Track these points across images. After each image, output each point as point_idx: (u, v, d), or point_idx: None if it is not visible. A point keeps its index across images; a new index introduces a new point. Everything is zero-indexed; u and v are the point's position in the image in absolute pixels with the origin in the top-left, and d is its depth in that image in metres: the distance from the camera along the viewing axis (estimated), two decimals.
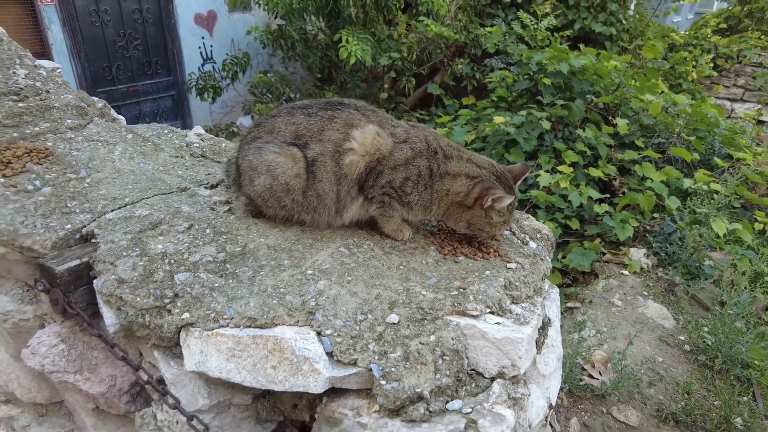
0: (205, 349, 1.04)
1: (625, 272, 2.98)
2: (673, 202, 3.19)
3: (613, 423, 2.18)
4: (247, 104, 7.34)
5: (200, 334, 1.05)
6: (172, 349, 1.12)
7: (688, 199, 3.19)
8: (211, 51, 7.84)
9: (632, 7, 6.25)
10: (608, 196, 3.44)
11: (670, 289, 2.89)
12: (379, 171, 1.25)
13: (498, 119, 3.68)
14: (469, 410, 0.98)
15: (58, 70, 2.19)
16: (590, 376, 2.34)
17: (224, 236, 1.29)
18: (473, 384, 1.04)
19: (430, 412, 0.96)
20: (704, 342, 2.52)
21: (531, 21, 4.84)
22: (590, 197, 3.29)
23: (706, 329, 2.61)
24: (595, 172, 3.50)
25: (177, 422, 1.11)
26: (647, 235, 3.14)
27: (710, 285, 2.87)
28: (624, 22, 5.77)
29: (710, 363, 2.43)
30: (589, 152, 3.63)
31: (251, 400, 1.14)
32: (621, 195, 3.55)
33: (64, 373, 1.24)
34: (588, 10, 6.07)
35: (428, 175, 1.27)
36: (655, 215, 3.19)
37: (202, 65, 7.68)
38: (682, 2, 6.52)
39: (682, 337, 2.61)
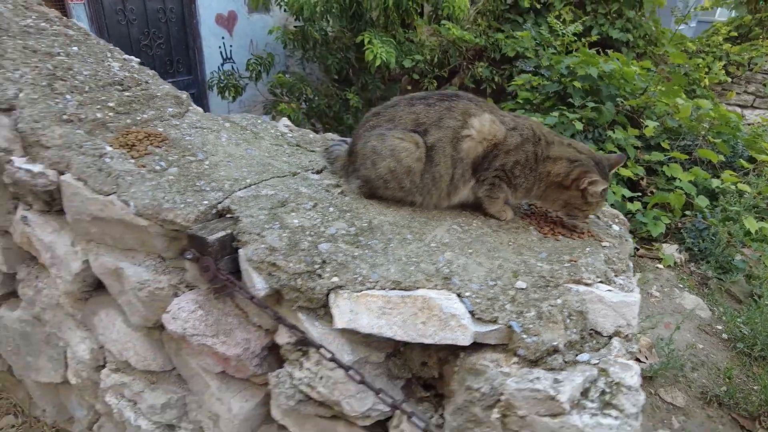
0: (354, 308, 1.16)
1: (660, 266, 3.12)
2: (702, 201, 3.35)
3: (661, 403, 2.32)
4: (267, 104, 7.45)
5: (349, 295, 1.17)
6: (317, 310, 1.24)
7: (718, 197, 3.35)
8: (231, 51, 7.97)
9: (647, 14, 6.44)
10: (640, 194, 3.59)
11: (703, 282, 3.04)
12: (494, 155, 1.38)
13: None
14: (597, 361, 1.11)
15: (139, 62, 2.32)
16: (637, 359, 2.47)
17: (348, 214, 1.41)
18: (594, 341, 1.17)
19: (565, 362, 1.09)
20: (741, 332, 2.67)
21: (560, 27, 5.00)
22: (623, 195, 3.44)
23: (740, 320, 2.75)
24: (624, 172, 3.65)
25: (321, 378, 1.23)
26: (682, 231, 3.29)
27: (742, 279, 3.02)
28: (647, 27, 5.95)
29: (748, 351, 2.57)
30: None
31: (384, 358, 1.27)
32: (649, 194, 3.71)
33: (203, 336, 1.36)
34: (605, 17, 6.25)
35: (533, 159, 1.41)
36: (687, 212, 3.34)
37: (222, 65, 7.80)
38: (694, 10, 6.70)
39: (719, 327, 2.75)
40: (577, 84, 4.04)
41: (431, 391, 1.31)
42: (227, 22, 7.87)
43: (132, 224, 1.39)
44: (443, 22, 6.20)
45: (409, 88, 6.51)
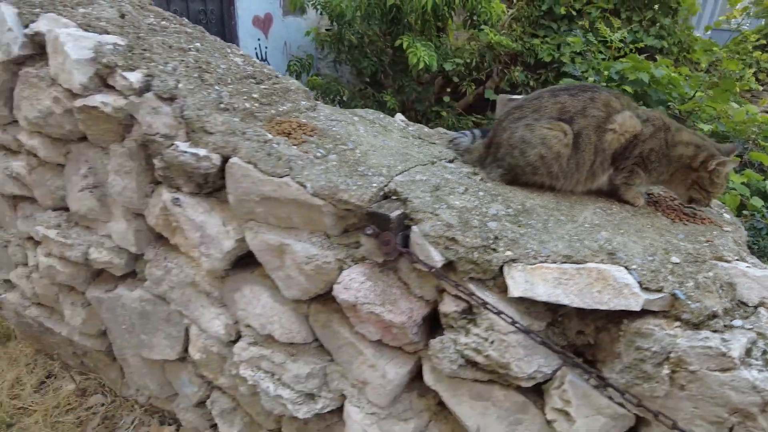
0: (530, 279, 1.31)
1: None
2: (756, 202, 3.49)
3: None
4: None
5: (523, 267, 1.32)
6: (486, 281, 1.39)
7: None
8: (266, 52, 8.14)
9: (680, 22, 6.60)
10: None
11: None
12: (634, 144, 1.54)
13: None
14: (751, 327, 1.25)
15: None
16: None
17: (499, 197, 1.56)
18: (742, 310, 1.31)
19: (724, 326, 1.23)
20: None
21: (609, 33, 5.18)
22: None
23: None
24: None
25: (491, 342, 1.38)
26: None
27: None
28: (681, 35, 6.12)
29: None
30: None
31: (544, 327, 1.41)
32: None
33: (372, 305, 1.51)
34: (640, 24, 6.42)
35: (665, 146, 1.57)
36: (745, 212, 3.49)
37: None
38: (720, 18, 6.86)
39: None
40: (628, 89, 4.19)
41: (581, 358, 1.46)
42: (263, 23, 8.05)
43: (306, 204, 1.54)
44: (482, 27, 6.37)
45: (449, 90, 6.68)
